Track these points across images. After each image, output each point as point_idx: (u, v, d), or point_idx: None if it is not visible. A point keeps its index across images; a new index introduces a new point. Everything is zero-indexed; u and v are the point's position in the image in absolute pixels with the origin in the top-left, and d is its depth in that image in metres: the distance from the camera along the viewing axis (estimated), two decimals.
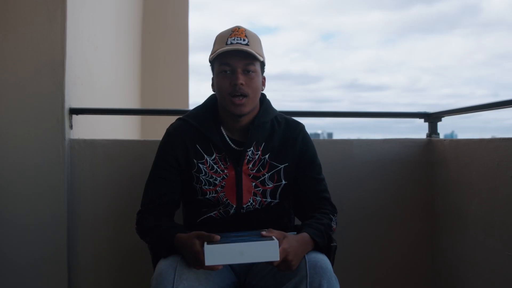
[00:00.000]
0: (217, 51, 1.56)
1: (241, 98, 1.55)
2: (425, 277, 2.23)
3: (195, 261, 1.34)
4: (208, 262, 1.28)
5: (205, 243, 1.32)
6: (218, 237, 1.35)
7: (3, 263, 2.01)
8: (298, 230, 1.76)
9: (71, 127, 2.08)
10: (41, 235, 2.02)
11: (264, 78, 1.66)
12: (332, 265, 1.48)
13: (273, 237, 1.35)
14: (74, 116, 2.11)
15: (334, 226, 1.60)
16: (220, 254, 1.28)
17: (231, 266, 1.60)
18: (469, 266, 1.93)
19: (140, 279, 2.08)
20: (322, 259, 1.42)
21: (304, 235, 1.47)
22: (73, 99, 2.11)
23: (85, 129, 2.27)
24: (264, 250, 1.29)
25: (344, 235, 2.07)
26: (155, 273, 1.40)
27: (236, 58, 1.55)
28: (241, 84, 1.54)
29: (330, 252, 1.56)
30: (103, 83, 2.83)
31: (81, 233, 2.09)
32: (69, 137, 2.07)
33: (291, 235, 1.43)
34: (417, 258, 2.23)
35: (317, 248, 1.49)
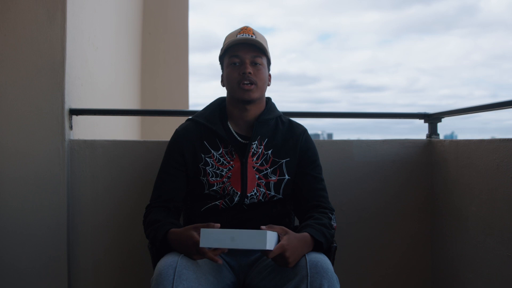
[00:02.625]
0: (227, 43, 1.66)
1: (249, 84, 1.63)
2: (425, 277, 2.23)
3: (195, 250, 1.41)
4: (202, 244, 1.37)
5: (201, 228, 1.40)
6: (217, 225, 1.42)
7: (2, 264, 2.01)
8: (298, 231, 1.77)
9: (71, 127, 2.08)
10: (41, 236, 2.01)
11: (270, 75, 1.74)
12: (332, 265, 1.48)
13: (264, 227, 1.42)
14: (74, 116, 2.11)
15: (335, 225, 1.63)
16: (214, 237, 1.38)
17: (231, 267, 1.60)
18: (469, 266, 1.93)
19: (140, 279, 2.08)
20: (323, 259, 1.42)
21: (305, 234, 1.49)
22: (73, 100, 2.11)
23: (85, 129, 2.27)
24: (253, 238, 1.37)
25: (344, 235, 2.08)
26: (155, 273, 1.40)
27: (244, 50, 1.64)
28: (249, 73, 1.63)
29: (330, 253, 1.56)
30: (103, 84, 2.83)
31: (81, 234, 2.09)
32: (69, 137, 2.07)
33: (293, 233, 1.46)
34: (417, 258, 2.23)
35: (319, 248, 1.50)
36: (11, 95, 2.00)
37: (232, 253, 1.61)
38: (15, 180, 2.00)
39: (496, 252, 1.74)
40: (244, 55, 1.64)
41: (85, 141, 2.09)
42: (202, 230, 1.37)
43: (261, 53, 1.66)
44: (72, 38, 2.09)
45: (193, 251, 1.42)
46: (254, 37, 1.65)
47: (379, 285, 2.23)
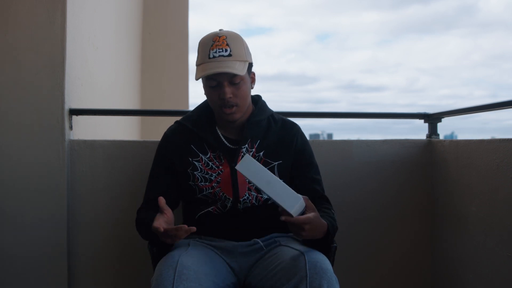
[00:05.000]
0: (200, 70, 1.56)
1: (230, 108, 1.58)
2: (425, 278, 2.23)
3: (156, 232, 1.37)
4: (239, 167, 1.31)
5: (247, 154, 1.42)
6: (191, 228, 1.37)
7: (3, 264, 2.01)
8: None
9: (71, 128, 2.08)
10: (41, 236, 2.01)
11: (253, 74, 1.67)
12: (332, 265, 1.48)
13: (304, 197, 1.39)
14: (74, 116, 2.11)
15: (336, 224, 1.62)
16: (252, 168, 1.30)
17: (231, 268, 1.60)
18: (469, 266, 1.93)
19: (140, 279, 2.08)
20: (322, 259, 1.42)
21: (325, 224, 1.48)
22: (73, 100, 2.11)
23: (85, 130, 2.27)
24: (286, 195, 1.29)
25: (344, 236, 2.07)
26: (155, 273, 1.41)
27: (220, 74, 1.55)
28: (229, 97, 1.56)
29: (330, 253, 1.56)
30: (103, 84, 2.83)
31: (81, 234, 2.09)
32: (69, 138, 2.07)
33: (318, 215, 1.44)
34: (417, 258, 2.23)
35: (325, 239, 1.50)
36: (11, 95, 2.00)
37: (233, 254, 1.61)
38: (15, 180, 2.00)
39: (496, 252, 1.74)
40: (220, 78, 1.55)
41: (85, 141, 2.09)
42: (246, 155, 1.39)
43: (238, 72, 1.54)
44: (72, 38, 2.08)
45: (163, 237, 1.38)
46: (228, 50, 1.54)
47: (379, 285, 2.23)
